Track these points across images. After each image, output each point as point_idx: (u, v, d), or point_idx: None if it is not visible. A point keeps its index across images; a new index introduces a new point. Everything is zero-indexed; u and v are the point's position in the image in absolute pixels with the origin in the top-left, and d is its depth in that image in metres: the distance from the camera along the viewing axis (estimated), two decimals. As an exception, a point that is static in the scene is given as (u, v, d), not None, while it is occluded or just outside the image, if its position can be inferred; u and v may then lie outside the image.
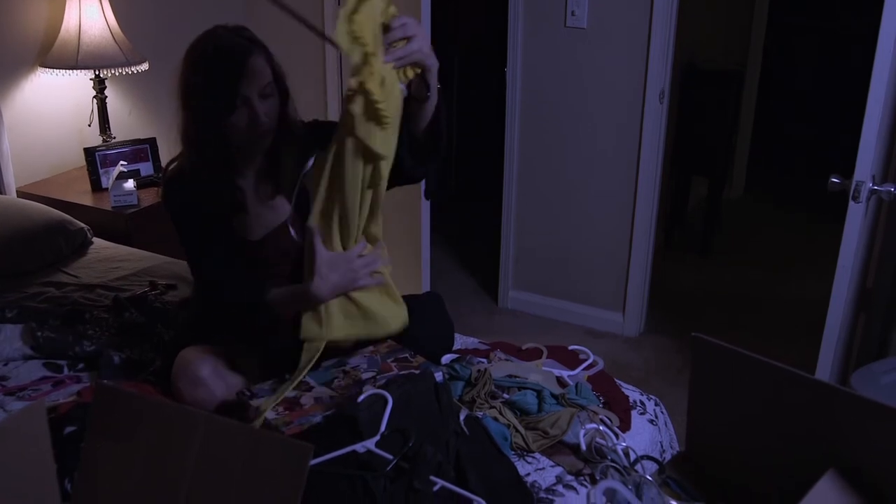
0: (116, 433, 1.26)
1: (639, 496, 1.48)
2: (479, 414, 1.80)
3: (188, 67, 1.83)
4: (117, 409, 1.28)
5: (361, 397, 1.62)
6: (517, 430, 1.79)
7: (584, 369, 2.11)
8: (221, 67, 1.79)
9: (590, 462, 1.71)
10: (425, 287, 3.40)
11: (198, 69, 1.82)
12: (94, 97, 3.15)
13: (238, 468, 1.17)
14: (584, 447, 1.74)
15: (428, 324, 2.01)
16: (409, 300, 1.96)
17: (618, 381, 2.08)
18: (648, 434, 1.92)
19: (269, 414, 1.69)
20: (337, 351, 1.93)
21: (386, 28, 1.62)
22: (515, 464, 1.68)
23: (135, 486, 1.23)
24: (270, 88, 1.83)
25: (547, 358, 2.16)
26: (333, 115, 3.68)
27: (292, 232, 1.93)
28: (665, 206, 4.08)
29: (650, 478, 1.57)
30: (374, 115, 1.60)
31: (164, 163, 3.22)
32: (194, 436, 1.20)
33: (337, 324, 1.81)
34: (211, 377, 1.82)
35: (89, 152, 3.09)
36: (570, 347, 2.22)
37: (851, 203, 2.12)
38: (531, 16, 3.48)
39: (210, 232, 1.90)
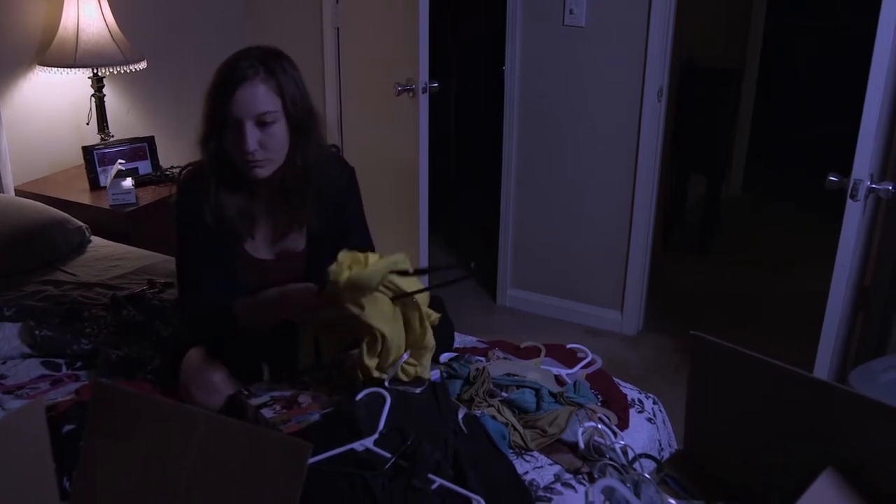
0: (115, 432, 1.26)
1: (637, 494, 1.48)
2: (478, 412, 1.80)
3: (213, 79, 1.82)
4: (116, 407, 1.28)
5: (360, 395, 1.62)
6: (515, 429, 1.79)
7: (583, 368, 2.11)
8: (220, 85, 1.77)
9: (588, 460, 1.71)
10: (423, 285, 3.40)
11: (212, 82, 1.80)
12: (93, 96, 3.15)
13: (237, 467, 1.17)
14: (582, 445, 1.74)
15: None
16: None
17: (616, 380, 2.08)
18: (647, 432, 1.92)
19: (267, 412, 1.69)
20: (334, 351, 1.93)
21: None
22: (514, 462, 1.68)
23: (134, 485, 1.23)
24: (273, 117, 1.78)
25: (545, 356, 2.16)
26: (332, 114, 3.68)
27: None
28: (663, 204, 4.08)
29: (648, 476, 1.57)
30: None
31: (162, 162, 3.24)
32: (194, 434, 1.20)
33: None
34: (223, 381, 1.79)
35: (88, 151, 3.09)
36: (569, 346, 2.22)
37: (849, 201, 2.12)
38: (529, 14, 3.48)
39: (206, 238, 1.87)
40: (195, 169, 1.91)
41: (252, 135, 1.76)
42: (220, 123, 1.78)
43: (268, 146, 1.79)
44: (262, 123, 1.77)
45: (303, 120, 1.83)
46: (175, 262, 1.97)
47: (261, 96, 1.76)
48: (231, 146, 1.80)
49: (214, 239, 1.88)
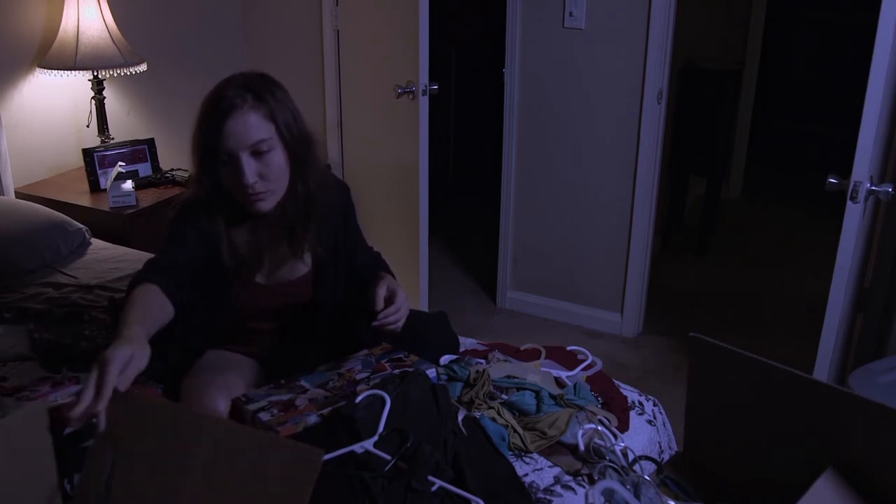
0: (123, 435, 1.26)
1: (637, 496, 1.48)
2: (478, 414, 1.80)
3: (198, 114, 1.74)
4: (126, 411, 1.28)
5: (360, 397, 1.63)
6: (515, 431, 1.79)
7: (583, 370, 2.11)
8: (207, 119, 1.69)
9: (588, 462, 1.71)
10: (423, 287, 3.41)
11: (199, 117, 1.73)
12: (93, 98, 3.15)
13: (245, 472, 1.17)
14: (582, 447, 1.74)
15: (434, 343, 2.02)
16: (417, 317, 1.95)
17: (616, 382, 2.08)
18: (647, 434, 1.92)
19: (264, 416, 1.69)
20: (332, 355, 1.93)
21: (389, 301, 1.75)
22: (513, 464, 1.68)
23: (142, 489, 1.23)
24: (268, 145, 1.70)
25: (545, 358, 2.16)
26: (332, 117, 3.68)
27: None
28: (663, 206, 4.08)
29: (648, 478, 1.57)
30: None
31: (162, 164, 3.24)
32: (202, 439, 1.20)
33: None
34: (228, 408, 1.75)
35: (88, 153, 3.09)
36: (569, 348, 2.22)
37: (849, 203, 2.13)
38: (529, 16, 3.49)
39: (196, 259, 1.80)
40: (194, 195, 1.83)
41: (249, 167, 1.69)
42: (213, 158, 1.71)
43: (267, 176, 1.72)
44: (257, 153, 1.70)
45: (299, 144, 1.77)
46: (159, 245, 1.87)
47: (253, 125, 1.68)
48: (228, 181, 1.73)
49: (208, 264, 1.81)
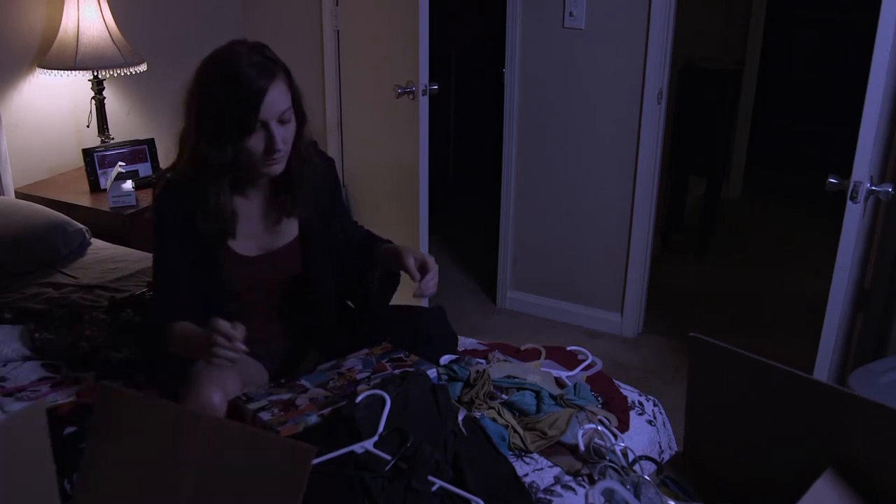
0: (119, 434, 1.26)
1: (637, 496, 1.48)
2: (478, 414, 1.80)
3: (203, 85, 1.75)
4: (120, 410, 1.28)
5: (360, 397, 1.63)
6: (515, 431, 1.79)
7: (583, 370, 2.11)
8: (242, 94, 1.70)
9: (588, 462, 1.71)
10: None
11: (214, 90, 1.74)
12: (93, 98, 3.15)
13: (239, 469, 1.17)
14: (582, 447, 1.74)
15: (432, 339, 2.03)
16: (415, 313, 1.94)
17: (616, 382, 2.08)
18: (647, 434, 1.92)
19: (264, 415, 1.69)
20: (332, 353, 1.93)
21: (423, 268, 1.85)
22: (514, 464, 1.68)
23: (136, 488, 1.23)
24: (289, 114, 1.77)
25: (545, 358, 2.16)
26: (332, 117, 3.68)
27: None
28: (663, 206, 4.07)
29: (648, 478, 1.57)
30: None
31: (162, 164, 3.24)
32: (196, 437, 1.20)
33: None
34: (223, 402, 1.76)
35: (88, 153, 3.09)
36: (569, 348, 2.22)
37: (849, 203, 2.13)
38: (529, 16, 3.48)
39: (185, 248, 1.84)
40: (173, 178, 1.86)
41: (278, 133, 1.75)
42: (242, 130, 1.73)
43: (287, 140, 1.78)
44: (282, 121, 1.76)
45: (301, 103, 1.83)
46: (152, 268, 1.93)
47: (282, 95, 1.75)
48: (254, 148, 1.75)
49: (197, 247, 1.84)
